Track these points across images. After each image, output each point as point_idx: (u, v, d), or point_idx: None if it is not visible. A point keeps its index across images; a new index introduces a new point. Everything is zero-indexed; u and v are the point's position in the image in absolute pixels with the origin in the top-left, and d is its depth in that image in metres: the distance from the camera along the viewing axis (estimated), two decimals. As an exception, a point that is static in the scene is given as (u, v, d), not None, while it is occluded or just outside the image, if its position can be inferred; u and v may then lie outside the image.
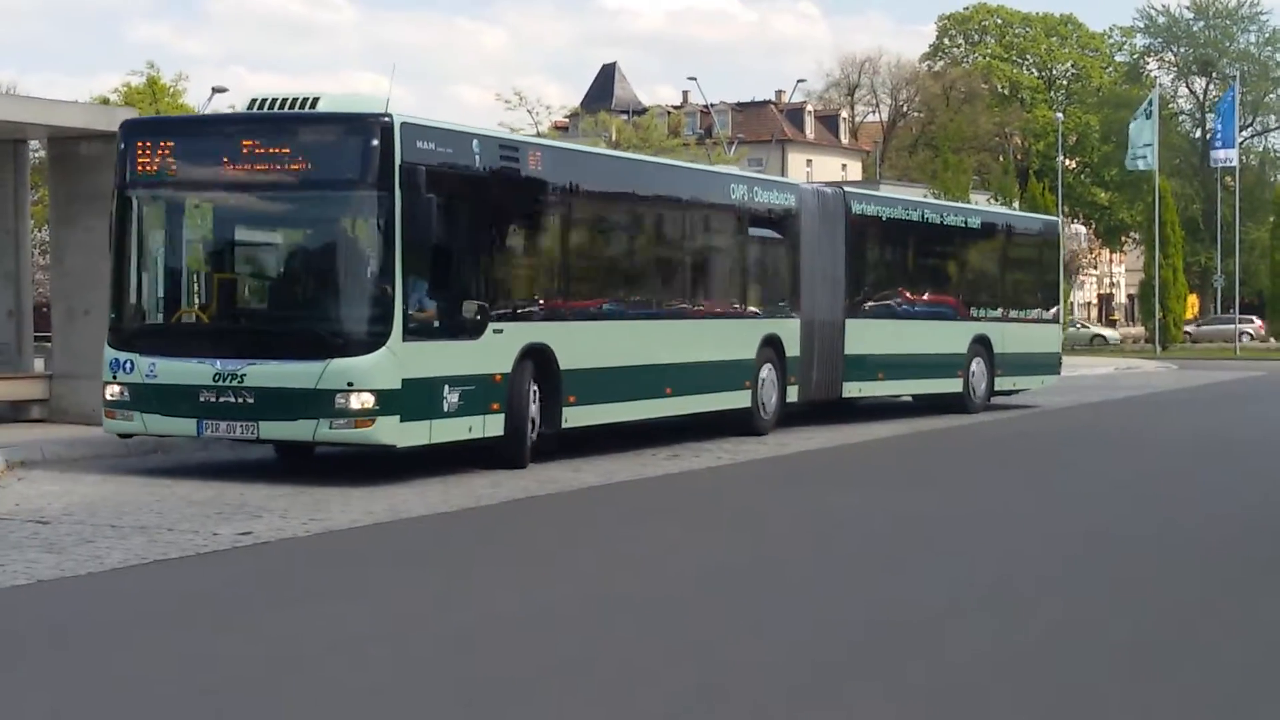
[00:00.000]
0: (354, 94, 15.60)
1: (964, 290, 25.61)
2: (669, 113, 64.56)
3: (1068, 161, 74.18)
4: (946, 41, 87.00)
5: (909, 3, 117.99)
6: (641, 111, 62.29)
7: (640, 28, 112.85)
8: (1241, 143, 65.65)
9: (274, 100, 14.56)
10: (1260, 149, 79.98)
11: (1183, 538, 12.08)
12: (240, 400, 13.90)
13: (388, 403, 13.66)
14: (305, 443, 14.65)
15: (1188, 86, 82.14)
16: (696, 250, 20.00)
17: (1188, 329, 62.93)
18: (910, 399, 24.93)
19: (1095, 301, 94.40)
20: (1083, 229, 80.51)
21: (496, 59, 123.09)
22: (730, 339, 19.75)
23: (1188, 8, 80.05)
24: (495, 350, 15.09)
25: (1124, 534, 12.00)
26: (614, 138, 44.28)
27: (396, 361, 13.71)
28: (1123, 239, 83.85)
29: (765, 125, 75.85)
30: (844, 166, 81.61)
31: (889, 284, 23.83)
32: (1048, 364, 27.77)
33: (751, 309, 20.51)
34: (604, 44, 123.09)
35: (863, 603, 9.18)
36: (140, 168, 14.65)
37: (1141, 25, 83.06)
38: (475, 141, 15.32)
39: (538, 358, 15.70)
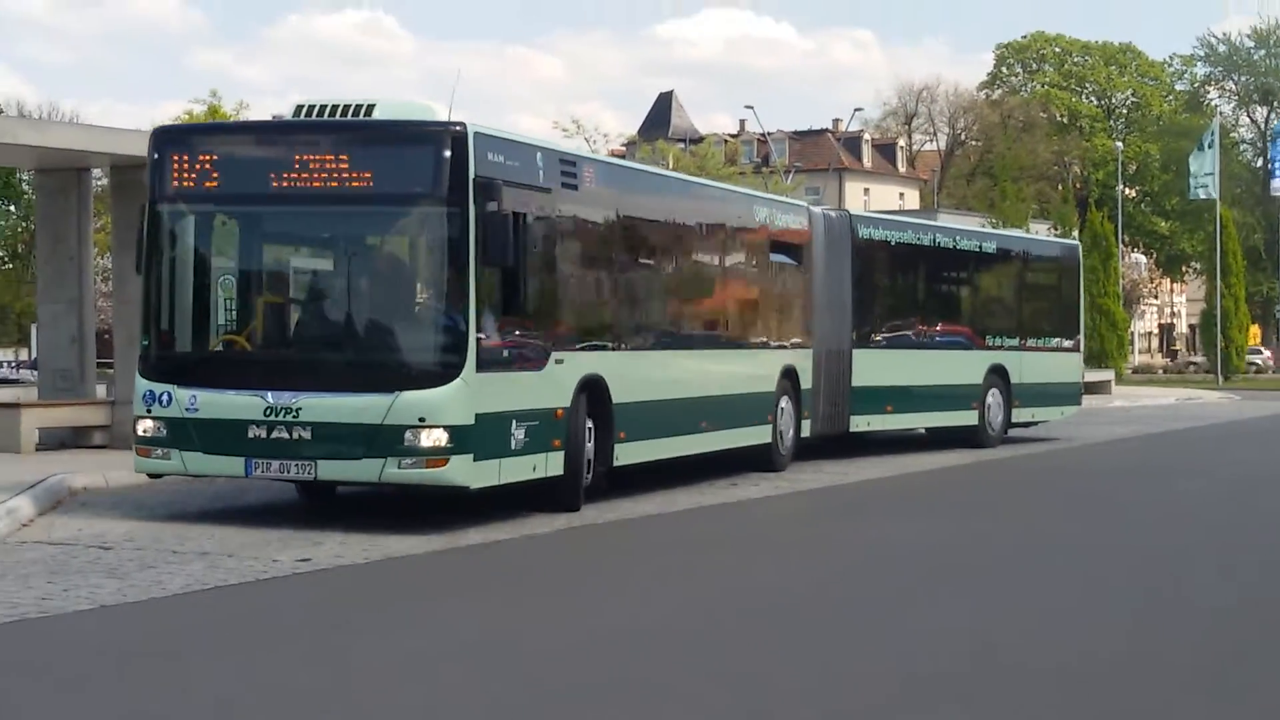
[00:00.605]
0: (409, 102, 14.35)
1: (979, 318, 24.59)
2: (726, 141, 64.76)
3: (1128, 190, 74.53)
4: (1004, 70, 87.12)
5: (966, 31, 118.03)
6: (698, 140, 62.40)
7: (696, 56, 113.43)
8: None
9: (324, 107, 13.49)
10: None
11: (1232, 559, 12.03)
12: (295, 436, 12.66)
13: (462, 440, 12.54)
14: (367, 484, 13.45)
15: (1249, 115, 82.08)
16: (729, 275, 18.87)
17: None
18: (923, 432, 23.92)
19: (1156, 331, 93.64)
20: (1143, 258, 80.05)
21: (552, 88, 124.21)
22: (756, 371, 18.82)
23: (1248, 36, 79.96)
24: (556, 382, 14.06)
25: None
26: (671, 166, 44.41)
27: (470, 394, 12.61)
28: (1183, 269, 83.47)
29: (822, 154, 75.77)
30: (901, 195, 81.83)
31: (898, 312, 22.98)
32: (1068, 394, 26.61)
33: (773, 339, 19.54)
34: (660, 73, 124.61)
35: (920, 633, 9.08)
36: (176, 180, 13.36)
37: (1202, 54, 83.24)
38: (539, 154, 14.25)
39: (592, 390, 14.63)
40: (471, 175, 12.62)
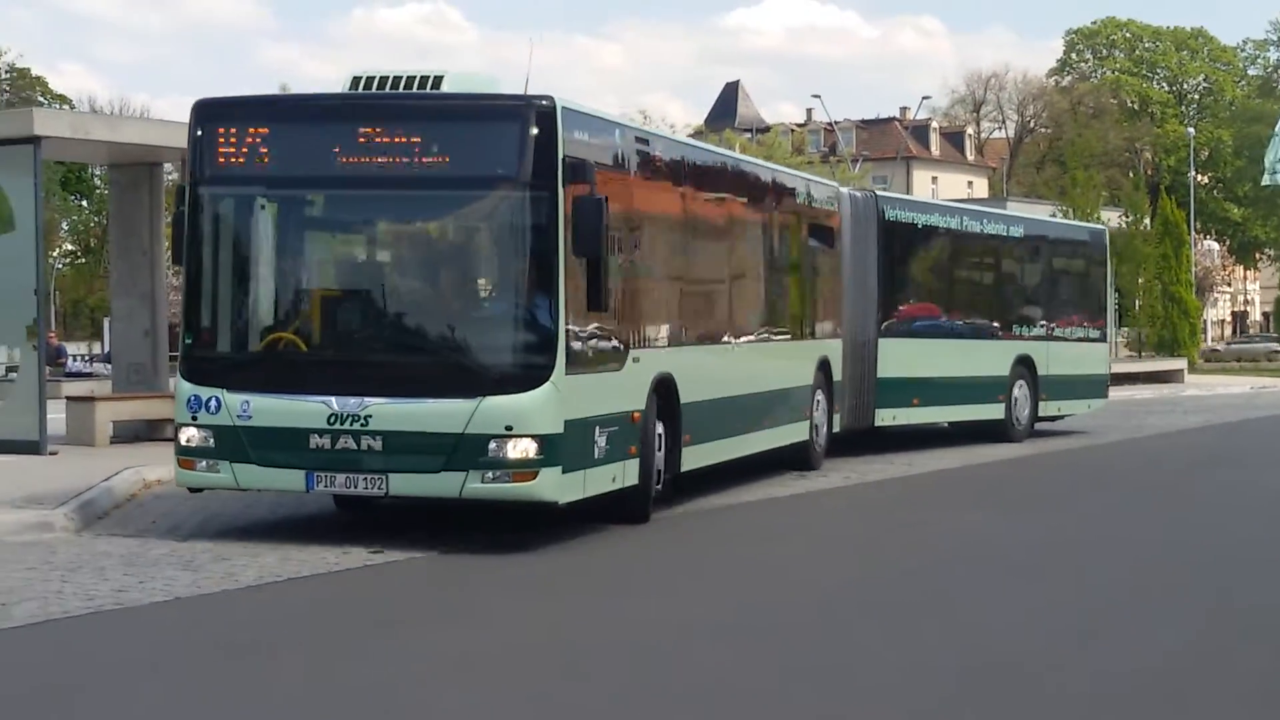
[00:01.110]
0: (476, 73, 13.06)
1: (1005, 305, 23.48)
2: (792, 130, 64.74)
3: (1200, 177, 73.98)
4: (1074, 56, 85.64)
5: (1032, 18, 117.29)
6: (765, 129, 62.39)
7: (762, 45, 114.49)
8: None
9: (385, 78, 12.22)
10: None
11: None
12: (363, 447, 11.45)
13: (551, 450, 11.39)
14: (446, 500, 12.10)
15: None
16: (777, 260, 17.66)
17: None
18: (946, 426, 22.54)
19: (1229, 319, 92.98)
20: (1215, 245, 79.41)
21: (617, 77, 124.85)
22: (798, 363, 17.72)
23: None
24: (635, 382, 13.00)
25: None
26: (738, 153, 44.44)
27: (561, 399, 11.47)
28: (1256, 255, 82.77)
29: (890, 142, 76.02)
30: (970, 183, 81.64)
31: (924, 299, 21.85)
32: (1095, 387, 25.39)
33: (811, 329, 18.39)
34: (725, 62, 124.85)
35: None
36: (223, 158, 12.03)
37: (1275, 38, 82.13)
38: (618, 132, 13.16)
39: (662, 391, 13.55)
40: (560, 155, 11.49)
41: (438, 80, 12.06)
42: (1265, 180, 56.88)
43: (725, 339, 15.62)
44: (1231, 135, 76.94)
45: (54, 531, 12.26)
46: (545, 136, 11.43)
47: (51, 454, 16.90)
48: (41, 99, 66.93)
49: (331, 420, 11.47)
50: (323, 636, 8.79)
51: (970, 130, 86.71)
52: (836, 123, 66.88)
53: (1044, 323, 23.80)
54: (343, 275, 13.12)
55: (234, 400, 11.73)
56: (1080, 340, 24.88)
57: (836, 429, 18.61)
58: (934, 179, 79.69)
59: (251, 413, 11.68)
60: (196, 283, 12.24)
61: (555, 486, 11.46)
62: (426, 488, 11.67)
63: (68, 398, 19.24)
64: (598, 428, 12.12)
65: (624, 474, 12.64)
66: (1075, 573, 11.33)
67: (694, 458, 14.42)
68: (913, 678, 7.71)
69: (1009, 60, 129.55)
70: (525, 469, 11.32)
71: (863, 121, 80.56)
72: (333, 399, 11.49)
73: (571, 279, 11.55)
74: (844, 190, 20.33)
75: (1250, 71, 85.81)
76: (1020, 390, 22.85)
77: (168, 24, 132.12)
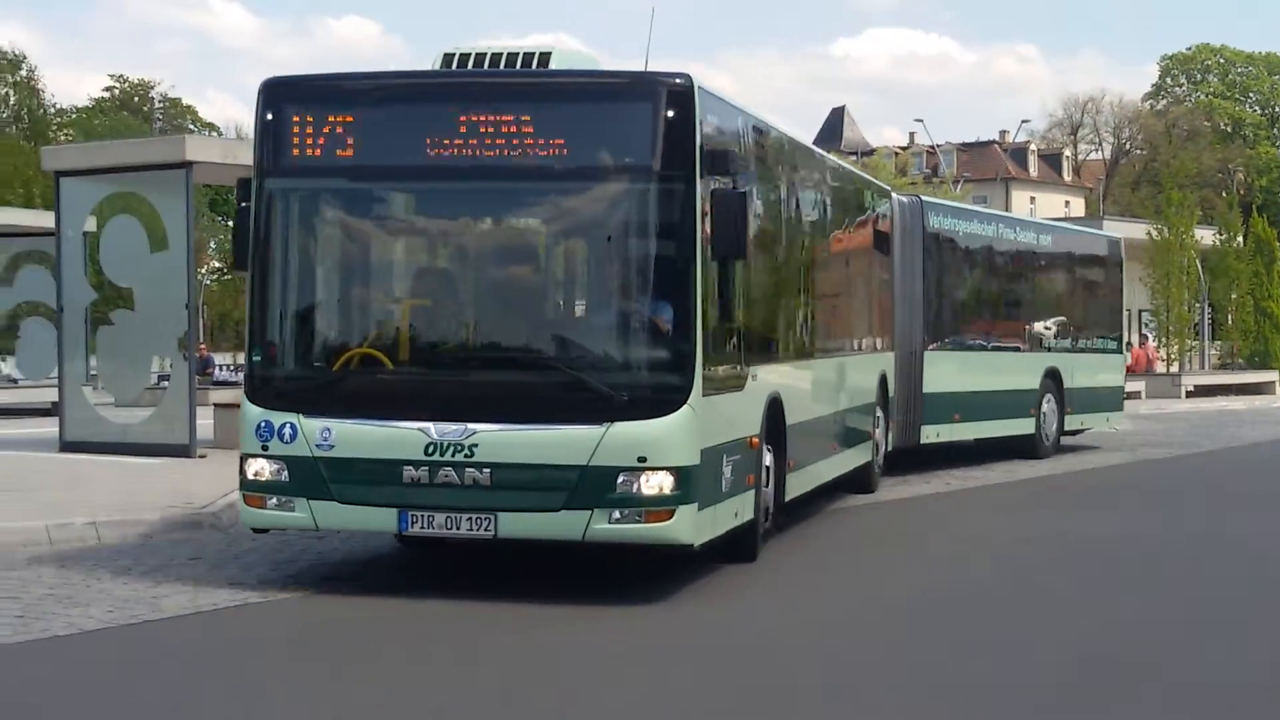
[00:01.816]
0: (583, 52, 11.72)
1: (1035, 316, 22.07)
2: (896, 153, 67.34)
3: None
4: (1169, 81, 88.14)
5: (1126, 43, 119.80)
6: (870, 152, 65.14)
7: (865, 72, 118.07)
8: None
9: (484, 55, 10.56)
10: None
11: None
12: (468, 481, 9.75)
13: (688, 484, 9.75)
14: (566, 542, 10.27)
15: None
16: (853, 269, 16.44)
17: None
18: (972, 443, 20.61)
19: None
20: None
21: None
22: (865, 379, 16.42)
23: None
24: (752, 404, 11.49)
25: None
26: None
27: (698, 425, 9.87)
28: None
29: (990, 164, 78.34)
30: (1067, 203, 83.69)
31: (963, 310, 20.61)
32: (1114, 400, 24.35)
33: (874, 341, 17.09)
34: (830, 88, 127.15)
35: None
36: (298, 148, 10.26)
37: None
38: (740, 119, 11.52)
39: (770, 412, 11.99)
40: (699, 142, 9.88)
41: (544, 57, 10.49)
42: None
43: (815, 353, 14.25)
44: None
45: (202, 530, 12.73)
46: (681, 119, 9.81)
47: (200, 457, 17.57)
48: (192, 126, 71.08)
49: (430, 450, 9.80)
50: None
51: (1067, 152, 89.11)
52: (938, 145, 69.55)
53: (1069, 334, 22.86)
54: (440, 282, 11.16)
55: (312, 427, 10.05)
56: (1101, 352, 24.10)
57: (889, 447, 17.42)
58: (1032, 199, 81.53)
59: (334, 441, 10.00)
60: (265, 290, 10.41)
61: (692, 527, 9.85)
62: (544, 528, 9.91)
63: (215, 404, 19.74)
64: (725, 456, 10.60)
65: (744, 507, 11.13)
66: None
67: (797, 485, 13.13)
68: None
69: (1104, 85, 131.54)
70: (660, 507, 9.69)
71: (963, 144, 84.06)
72: (431, 425, 9.81)
73: (709, 287, 10.03)
74: (895, 195, 19.19)
75: None
76: (1049, 404, 21.79)
77: (306, 53, 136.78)
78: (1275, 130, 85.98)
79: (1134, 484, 19.29)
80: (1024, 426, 21.07)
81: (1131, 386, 33.64)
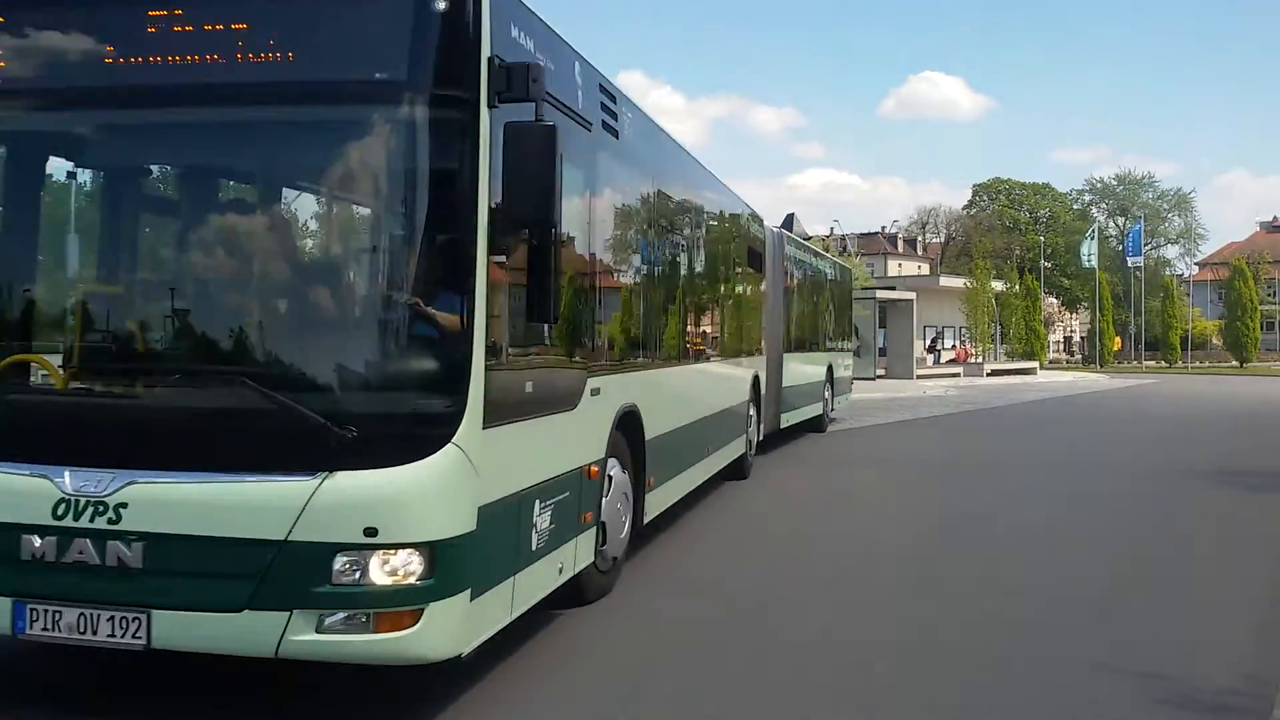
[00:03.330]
0: None
1: (822, 326, 25.73)
2: (823, 239, 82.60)
3: (1046, 263, 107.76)
4: (978, 198, 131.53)
5: (955, 175, 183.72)
6: (809, 238, 75.46)
7: (804, 194, 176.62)
8: (1145, 251, 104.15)
9: None
10: (1154, 257, 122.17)
11: None
12: (112, 561, 6.17)
13: (450, 566, 6.17)
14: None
15: (1114, 222, 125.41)
16: (726, 272, 15.18)
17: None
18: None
19: (1062, 341, 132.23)
20: (1055, 300, 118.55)
21: None
22: (739, 381, 16.15)
23: (1114, 179, 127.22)
24: (592, 424, 8.51)
25: None
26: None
27: (470, 474, 6.29)
28: (1077, 306, 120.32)
29: (875, 245, 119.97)
30: (919, 266, 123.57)
31: (800, 320, 23.13)
32: (849, 385, 29.84)
33: (749, 346, 17.00)
34: (784, 204, 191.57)
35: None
36: None
37: (1088, 188, 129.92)
38: (579, 66, 8.26)
39: (625, 428, 9.39)
40: (486, 53, 6.41)
41: None
42: (1083, 263, 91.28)
43: (682, 359, 12.24)
44: (1063, 241, 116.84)
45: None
46: (459, 19, 6.29)
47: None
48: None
49: (60, 511, 6.21)
50: None
51: (920, 237, 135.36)
52: (845, 234, 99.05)
53: (830, 336, 26.76)
54: (92, 257, 7.39)
55: None
56: (846, 352, 29.24)
57: (759, 438, 18.27)
58: (900, 265, 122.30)
59: None
60: None
61: (453, 631, 6.26)
62: (217, 638, 6.21)
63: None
64: (538, 504, 7.34)
65: (575, 555, 8.22)
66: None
67: (656, 503, 10.82)
68: None
69: (940, 200, 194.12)
70: (399, 606, 6.07)
71: (861, 234, 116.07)
72: (66, 472, 6.22)
73: (499, 265, 6.48)
74: (766, 225, 20.06)
75: (1074, 206, 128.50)
76: (827, 390, 25.89)
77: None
78: (1036, 226, 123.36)
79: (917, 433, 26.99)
80: (818, 409, 24.87)
81: (954, 369, 59.87)
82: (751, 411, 17.27)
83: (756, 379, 17.58)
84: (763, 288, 18.95)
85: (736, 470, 16.72)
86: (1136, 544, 12.83)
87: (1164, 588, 10.65)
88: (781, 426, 21.10)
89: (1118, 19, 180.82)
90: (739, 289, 16.40)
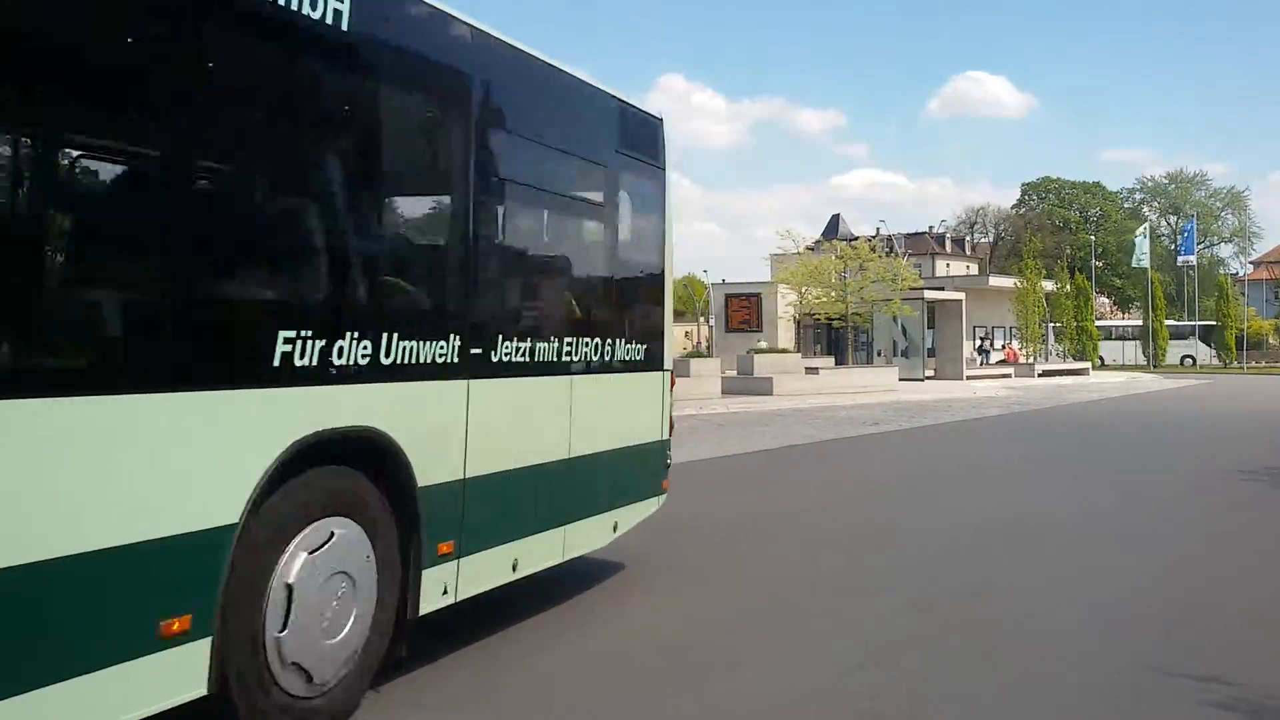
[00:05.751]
0: None
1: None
2: (869, 240, 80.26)
3: (1097, 262, 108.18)
4: (1027, 197, 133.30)
5: (1004, 174, 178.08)
6: (854, 239, 73.12)
7: (851, 194, 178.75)
8: (1199, 250, 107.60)
9: None
10: (1208, 255, 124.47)
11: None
12: None
13: None
14: None
15: (1166, 220, 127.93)
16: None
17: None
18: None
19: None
20: (1106, 299, 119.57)
21: (771, 216, 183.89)
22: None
23: (1165, 177, 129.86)
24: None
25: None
26: (836, 257, 56.46)
27: None
28: (1130, 305, 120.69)
29: (923, 245, 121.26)
30: (967, 267, 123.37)
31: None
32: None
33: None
34: (830, 204, 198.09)
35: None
36: None
37: (1139, 186, 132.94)
38: None
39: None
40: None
41: None
42: (1133, 264, 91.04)
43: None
44: (1114, 240, 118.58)
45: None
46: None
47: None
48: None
49: None
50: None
51: (968, 237, 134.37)
52: (893, 234, 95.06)
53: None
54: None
55: None
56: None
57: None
58: (948, 265, 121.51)
59: None
60: None
61: None
62: None
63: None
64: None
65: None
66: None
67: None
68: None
69: (989, 199, 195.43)
70: None
71: (908, 234, 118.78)
72: None
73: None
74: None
75: (1125, 205, 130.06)
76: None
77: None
78: (1087, 225, 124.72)
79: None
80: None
81: (1004, 370, 59.08)
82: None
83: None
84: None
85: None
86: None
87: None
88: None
89: (1158, 16, 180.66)
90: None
